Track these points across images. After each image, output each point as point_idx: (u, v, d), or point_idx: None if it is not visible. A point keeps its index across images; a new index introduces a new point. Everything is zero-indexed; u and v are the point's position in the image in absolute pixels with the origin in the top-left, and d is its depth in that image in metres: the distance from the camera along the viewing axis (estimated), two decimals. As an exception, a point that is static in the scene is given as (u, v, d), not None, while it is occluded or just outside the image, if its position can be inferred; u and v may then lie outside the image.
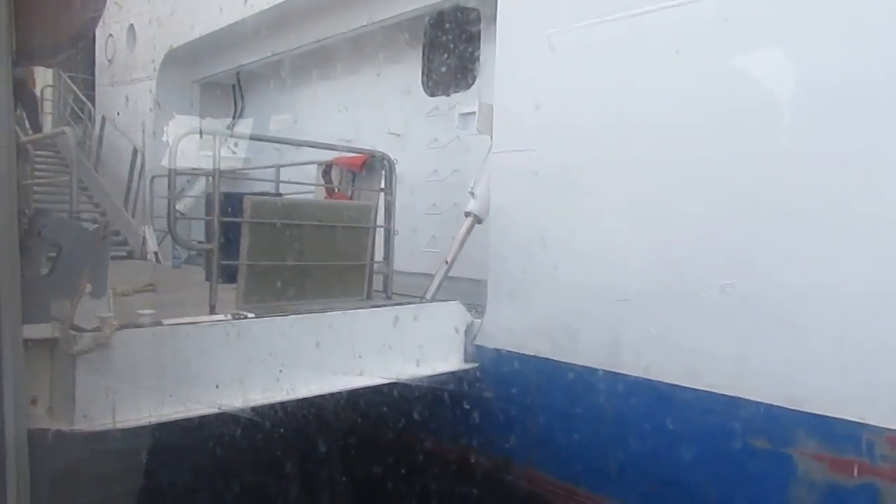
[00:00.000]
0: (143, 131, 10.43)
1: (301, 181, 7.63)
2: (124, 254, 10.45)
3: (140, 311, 4.21)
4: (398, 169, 7.72)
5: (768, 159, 4.08)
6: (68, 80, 13.63)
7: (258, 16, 8.52)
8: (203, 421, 4.34)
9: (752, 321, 4.10)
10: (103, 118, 12.09)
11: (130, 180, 10.58)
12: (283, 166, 7.93)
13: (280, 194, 7.20)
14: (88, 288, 4.17)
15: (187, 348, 4.19)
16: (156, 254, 9.85)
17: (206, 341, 4.31)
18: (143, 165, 10.26)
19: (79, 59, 14.29)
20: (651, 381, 4.54)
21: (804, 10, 3.99)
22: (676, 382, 4.41)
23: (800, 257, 3.93)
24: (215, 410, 4.28)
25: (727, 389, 4.18)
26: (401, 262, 7.33)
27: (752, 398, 4.08)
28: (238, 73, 10.96)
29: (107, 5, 12.52)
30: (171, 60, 10.75)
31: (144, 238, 10.12)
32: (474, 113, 5.99)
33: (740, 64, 4.24)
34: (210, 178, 9.18)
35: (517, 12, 5.50)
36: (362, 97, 8.54)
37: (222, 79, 11.11)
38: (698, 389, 4.30)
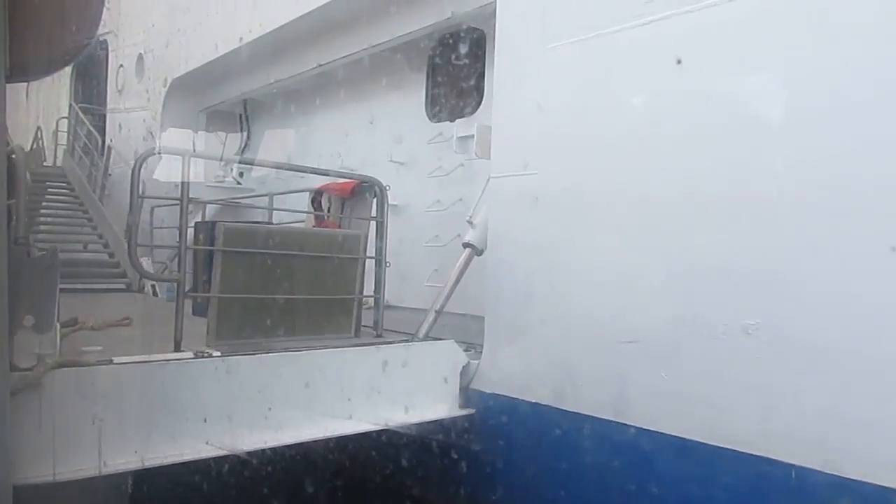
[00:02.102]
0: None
1: (297, 209, 7.28)
2: (122, 286, 10.14)
3: (85, 349, 3.77)
4: (399, 198, 7.38)
5: (801, 181, 3.54)
6: (79, 112, 13.56)
7: (256, 42, 8.26)
8: (159, 472, 3.86)
9: (782, 369, 3.52)
10: (109, 148, 11.94)
11: (131, 210, 10.27)
12: (276, 195, 7.55)
13: (269, 223, 6.80)
14: (30, 321, 3.74)
15: (137, 391, 3.73)
16: (153, 286, 9.52)
17: (160, 382, 3.84)
18: (143, 193, 9.96)
19: (93, 89, 14.32)
20: (663, 434, 3.96)
21: (830, 10, 3.49)
22: (692, 437, 3.83)
23: (839, 295, 3.36)
24: (170, 462, 3.80)
25: (752, 448, 3.59)
26: (401, 297, 6.90)
27: (781, 459, 3.48)
28: (245, 102, 10.76)
29: (101, 33, 12.50)
30: (176, 89, 10.56)
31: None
32: (473, 136, 5.56)
33: (766, 74, 3.73)
34: (211, 206, 9.13)
35: (516, 26, 5.08)
36: (364, 124, 8.19)
37: (228, 107, 10.88)
38: (718, 447, 3.72)
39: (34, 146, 16.63)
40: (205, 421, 3.86)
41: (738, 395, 3.68)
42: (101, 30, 13.07)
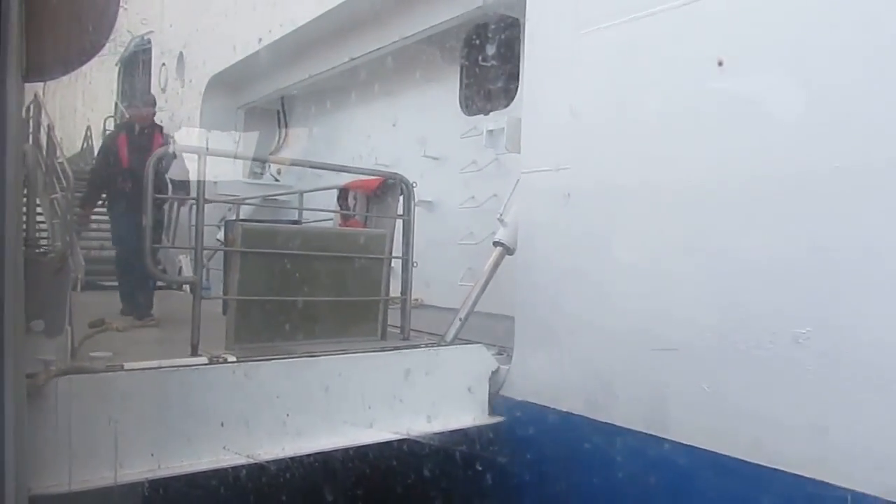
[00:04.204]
0: None
1: (328, 207, 7.14)
2: (162, 284, 10.18)
3: (94, 354, 3.65)
4: (432, 194, 7.15)
5: (858, 173, 3.17)
6: (125, 111, 13.73)
7: (289, 38, 8.16)
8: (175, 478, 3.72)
9: (836, 383, 3.17)
10: (151, 146, 12.03)
11: (171, 207, 10.35)
12: (305, 192, 7.41)
13: (298, 221, 6.66)
14: (39, 325, 3.66)
15: (150, 397, 3.59)
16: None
17: (173, 388, 3.69)
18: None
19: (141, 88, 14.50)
20: (704, 451, 3.65)
21: None
22: (737, 455, 3.51)
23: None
24: (185, 471, 3.66)
25: (802, 469, 3.25)
26: (433, 296, 6.67)
27: (837, 483, 3.14)
28: (282, 99, 10.68)
29: (145, 32, 12.59)
30: (215, 86, 10.55)
31: (181, 268, 9.84)
32: (503, 129, 5.29)
33: (823, 59, 3.35)
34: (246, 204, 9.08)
35: (547, 12, 4.78)
36: (399, 118, 7.99)
37: (266, 104, 10.83)
38: (764, 466, 3.39)
39: (84, 146, 16.99)
40: (221, 427, 3.72)
41: (787, 411, 3.34)
42: (144, 29, 13.27)
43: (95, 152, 16.01)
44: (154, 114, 6.43)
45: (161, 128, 6.40)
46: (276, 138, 11.02)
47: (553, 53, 4.71)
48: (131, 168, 5.72)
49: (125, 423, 3.48)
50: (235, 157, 4.39)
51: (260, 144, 10.35)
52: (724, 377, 3.59)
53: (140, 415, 3.61)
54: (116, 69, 15.29)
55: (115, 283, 6.68)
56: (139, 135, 6.08)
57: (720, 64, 3.66)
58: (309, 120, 10.23)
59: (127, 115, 6.43)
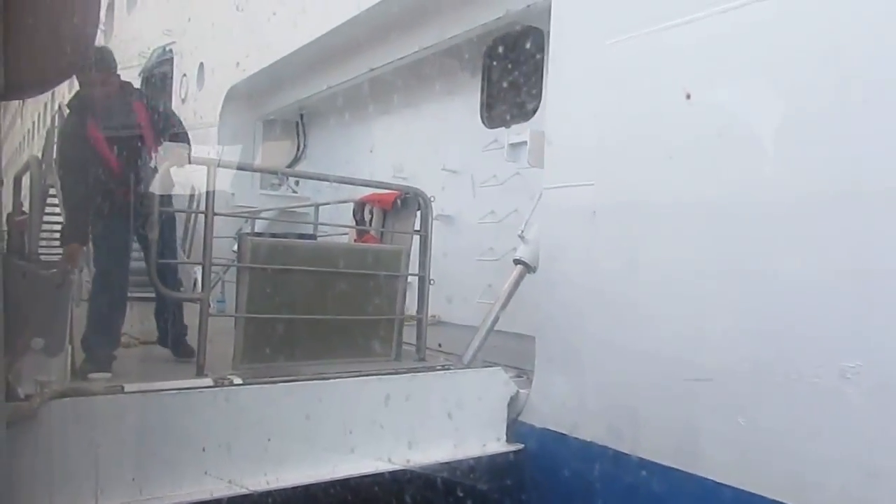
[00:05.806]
0: None
1: (345, 220, 6.97)
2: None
3: (92, 375, 3.47)
4: (451, 209, 6.97)
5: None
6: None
7: (307, 48, 8.04)
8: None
9: (889, 423, 2.90)
10: (169, 157, 11.98)
11: (187, 220, 10.26)
12: (321, 205, 7.25)
13: (313, 235, 6.49)
14: (38, 343, 3.49)
15: (136, 424, 3.40)
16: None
17: (159, 415, 3.48)
18: (198, 204, 9.90)
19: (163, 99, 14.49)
20: (739, 490, 3.37)
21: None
22: (774, 497, 3.23)
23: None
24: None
25: (853, 517, 2.98)
26: (454, 314, 6.46)
27: (888, 533, 2.87)
28: (301, 110, 10.59)
29: (168, 43, 12.56)
30: (233, 97, 10.47)
31: (195, 281, 9.73)
32: (525, 142, 5.09)
33: (881, 72, 3.10)
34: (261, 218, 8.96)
35: (572, 20, 4.58)
36: (417, 130, 7.83)
37: (285, 116, 10.74)
38: (809, 512, 3.12)
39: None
40: (203, 451, 3.49)
41: (832, 453, 3.06)
42: (166, 40, 13.28)
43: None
44: (117, 76, 4.52)
45: (139, 92, 4.97)
46: (296, 150, 10.94)
47: (578, 64, 4.50)
48: (114, 165, 4.31)
49: (110, 449, 3.28)
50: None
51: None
52: (762, 412, 3.32)
53: (128, 439, 3.41)
54: (140, 80, 15.33)
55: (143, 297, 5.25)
56: (111, 112, 4.32)
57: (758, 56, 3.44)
58: (328, 132, 10.11)
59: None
